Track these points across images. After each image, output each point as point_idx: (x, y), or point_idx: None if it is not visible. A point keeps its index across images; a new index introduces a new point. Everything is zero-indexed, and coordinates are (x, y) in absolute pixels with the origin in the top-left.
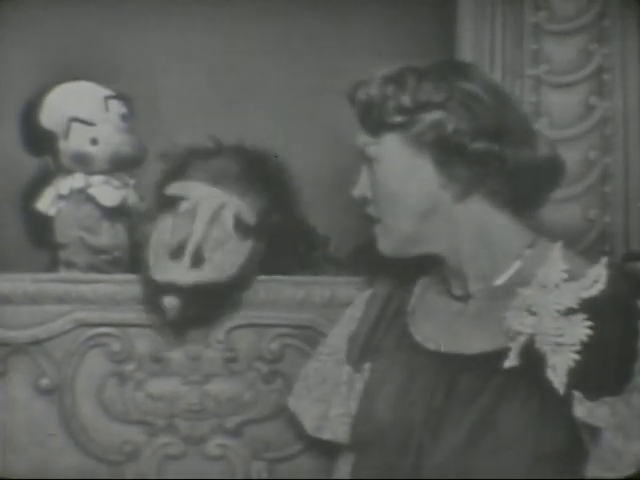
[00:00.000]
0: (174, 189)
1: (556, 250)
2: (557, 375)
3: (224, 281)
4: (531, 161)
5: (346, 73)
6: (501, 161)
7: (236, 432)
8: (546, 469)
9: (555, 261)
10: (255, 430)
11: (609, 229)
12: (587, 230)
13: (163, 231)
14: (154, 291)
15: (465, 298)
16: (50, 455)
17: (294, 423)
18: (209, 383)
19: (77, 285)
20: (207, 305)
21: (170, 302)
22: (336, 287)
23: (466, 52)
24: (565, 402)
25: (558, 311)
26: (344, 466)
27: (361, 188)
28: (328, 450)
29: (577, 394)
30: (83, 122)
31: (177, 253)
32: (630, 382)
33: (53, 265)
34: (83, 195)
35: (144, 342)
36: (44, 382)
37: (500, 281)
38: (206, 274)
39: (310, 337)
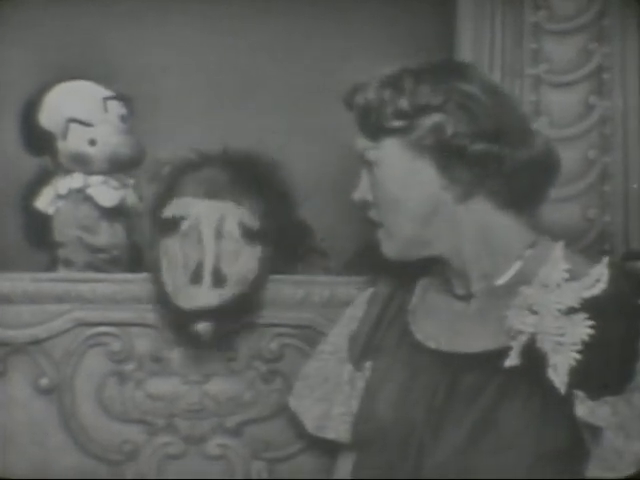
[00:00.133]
0: (171, 210)
1: (557, 250)
2: (558, 374)
3: (247, 292)
4: (529, 160)
5: (346, 73)
6: (500, 161)
7: (236, 432)
8: (547, 468)
9: (556, 260)
10: (255, 430)
11: (609, 228)
12: (587, 229)
13: (173, 255)
14: (185, 319)
15: (467, 297)
16: (50, 455)
17: (294, 422)
18: (209, 383)
19: (77, 284)
20: (237, 318)
21: (204, 328)
22: (336, 287)
23: (466, 51)
24: (566, 401)
25: (559, 310)
26: (344, 465)
27: (361, 192)
28: (328, 449)
29: (578, 393)
30: (81, 123)
31: (196, 277)
32: (631, 382)
33: (52, 265)
34: (81, 195)
35: (144, 342)
36: (44, 382)
37: (502, 280)
38: (230, 291)
39: (310, 337)
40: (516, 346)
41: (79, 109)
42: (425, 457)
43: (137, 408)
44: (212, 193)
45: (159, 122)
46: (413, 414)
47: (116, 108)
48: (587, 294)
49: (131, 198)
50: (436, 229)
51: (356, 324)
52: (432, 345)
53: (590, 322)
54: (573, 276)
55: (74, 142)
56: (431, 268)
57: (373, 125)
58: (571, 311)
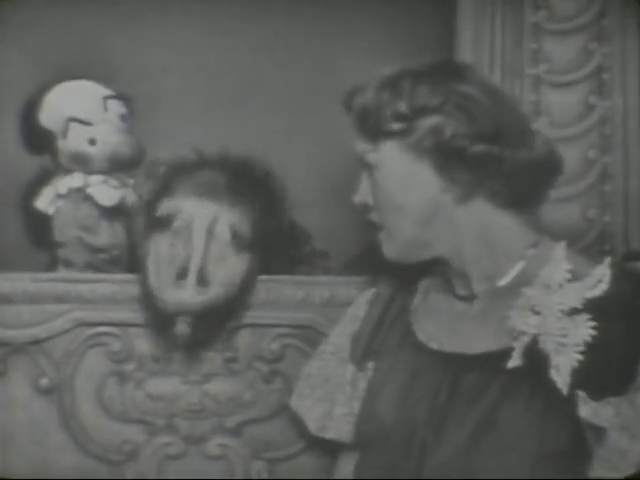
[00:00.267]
0: (164, 209)
1: (559, 250)
2: (561, 375)
3: (230, 298)
4: (529, 160)
5: (346, 73)
6: (500, 162)
7: (236, 432)
8: (549, 469)
9: (558, 261)
10: (255, 430)
11: (609, 228)
12: (587, 229)
13: (160, 253)
14: (163, 317)
15: (469, 298)
16: (50, 455)
17: (294, 422)
18: (209, 383)
19: (77, 285)
20: (216, 325)
21: (182, 329)
22: (336, 287)
23: (466, 51)
24: (568, 402)
25: (562, 311)
26: (345, 466)
27: (362, 195)
28: (328, 450)
29: (581, 394)
30: (81, 122)
31: (181, 275)
32: (634, 382)
33: (52, 265)
34: (81, 194)
35: (144, 342)
36: (44, 382)
37: (504, 281)
38: (213, 293)
39: (310, 337)
40: (518, 347)
41: (79, 108)
42: (427, 457)
43: (137, 408)
44: (206, 193)
45: (159, 122)
46: (415, 414)
47: (116, 107)
48: (589, 295)
49: (131, 197)
50: (436, 231)
51: (357, 324)
52: (434, 346)
53: (592, 323)
54: (575, 277)
55: (74, 141)
56: (432, 269)
57: (372, 128)
58: (573, 312)
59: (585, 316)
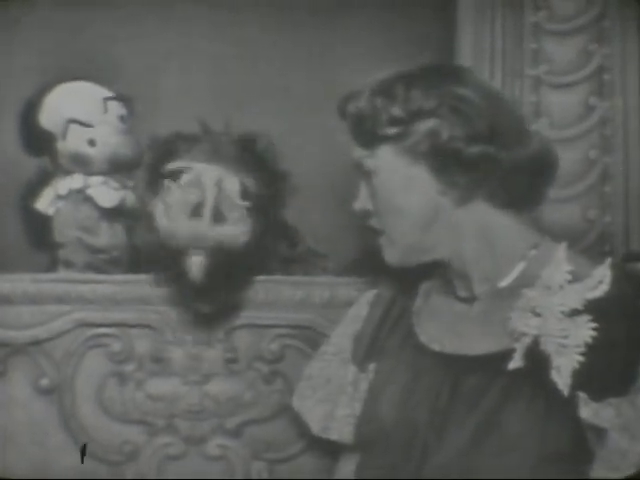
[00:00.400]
0: (172, 167)
1: (560, 251)
2: (562, 376)
3: (241, 246)
4: (526, 160)
5: (346, 78)
6: (497, 163)
7: (236, 432)
8: (550, 470)
9: (559, 262)
10: (255, 430)
11: (609, 229)
12: (587, 230)
13: (171, 199)
14: (176, 252)
15: (470, 300)
16: (50, 455)
17: (295, 423)
18: (209, 383)
19: (77, 285)
20: (228, 269)
21: (197, 262)
22: (336, 287)
23: (466, 53)
24: (569, 403)
25: (563, 312)
26: (346, 466)
27: (362, 202)
28: (329, 450)
29: (582, 395)
30: (81, 123)
31: (196, 211)
32: (635, 383)
33: (53, 265)
34: (81, 196)
35: (144, 342)
36: (44, 382)
37: (505, 282)
38: (229, 231)
39: (310, 337)
40: (519, 348)
41: (79, 110)
42: (428, 458)
43: (137, 409)
44: (213, 159)
45: (159, 122)
46: (416, 415)
47: (116, 109)
48: (590, 296)
49: (131, 199)
50: (437, 234)
51: (359, 324)
52: (436, 347)
53: (593, 324)
54: (576, 278)
55: (74, 142)
56: (433, 271)
57: (367, 133)
58: (574, 313)
59: (586, 317)
